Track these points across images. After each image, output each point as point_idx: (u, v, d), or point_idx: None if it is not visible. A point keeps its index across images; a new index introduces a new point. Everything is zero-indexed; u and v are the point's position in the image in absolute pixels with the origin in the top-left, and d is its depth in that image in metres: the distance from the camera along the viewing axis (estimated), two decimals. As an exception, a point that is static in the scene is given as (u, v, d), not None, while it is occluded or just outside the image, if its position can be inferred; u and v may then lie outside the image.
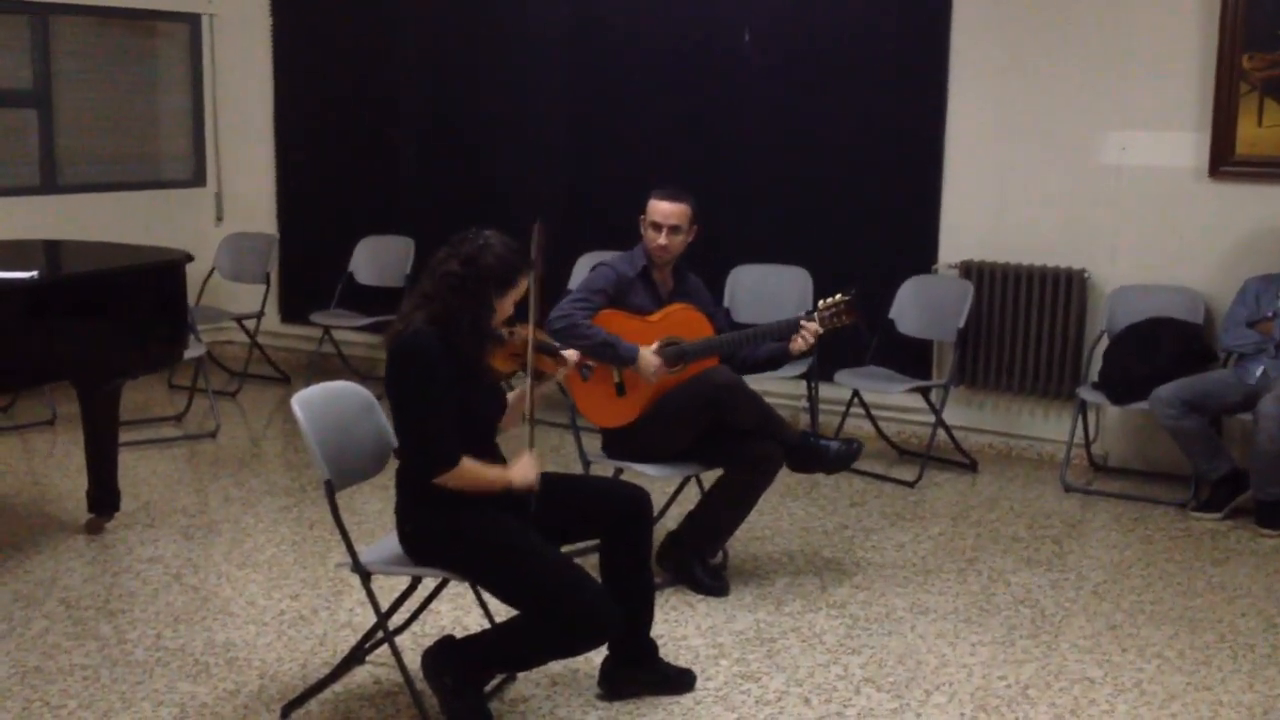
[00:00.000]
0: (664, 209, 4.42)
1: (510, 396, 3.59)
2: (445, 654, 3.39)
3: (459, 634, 3.49)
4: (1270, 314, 5.23)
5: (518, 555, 3.27)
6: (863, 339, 5.97)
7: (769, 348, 4.50)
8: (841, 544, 4.96)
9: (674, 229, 4.41)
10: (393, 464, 3.60)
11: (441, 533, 3.33)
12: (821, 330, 4.36)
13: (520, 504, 3.39)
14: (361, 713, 3.54)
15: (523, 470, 3.39)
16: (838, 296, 4.38)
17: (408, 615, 3.79)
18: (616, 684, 3.63)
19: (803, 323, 4.34)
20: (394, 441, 3.58)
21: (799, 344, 4.35)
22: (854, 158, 6.37)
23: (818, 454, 4.37)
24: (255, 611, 4.23)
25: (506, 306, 3.40)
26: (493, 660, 3.42)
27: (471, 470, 3.30)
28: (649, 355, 4.31)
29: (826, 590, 4.46)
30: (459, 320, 3.30)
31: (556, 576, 3.25)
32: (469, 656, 3.37)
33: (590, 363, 4.04)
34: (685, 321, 4.45)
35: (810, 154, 6.46)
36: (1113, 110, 5.79)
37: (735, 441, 4.33)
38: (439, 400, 3.26)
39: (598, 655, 3.63)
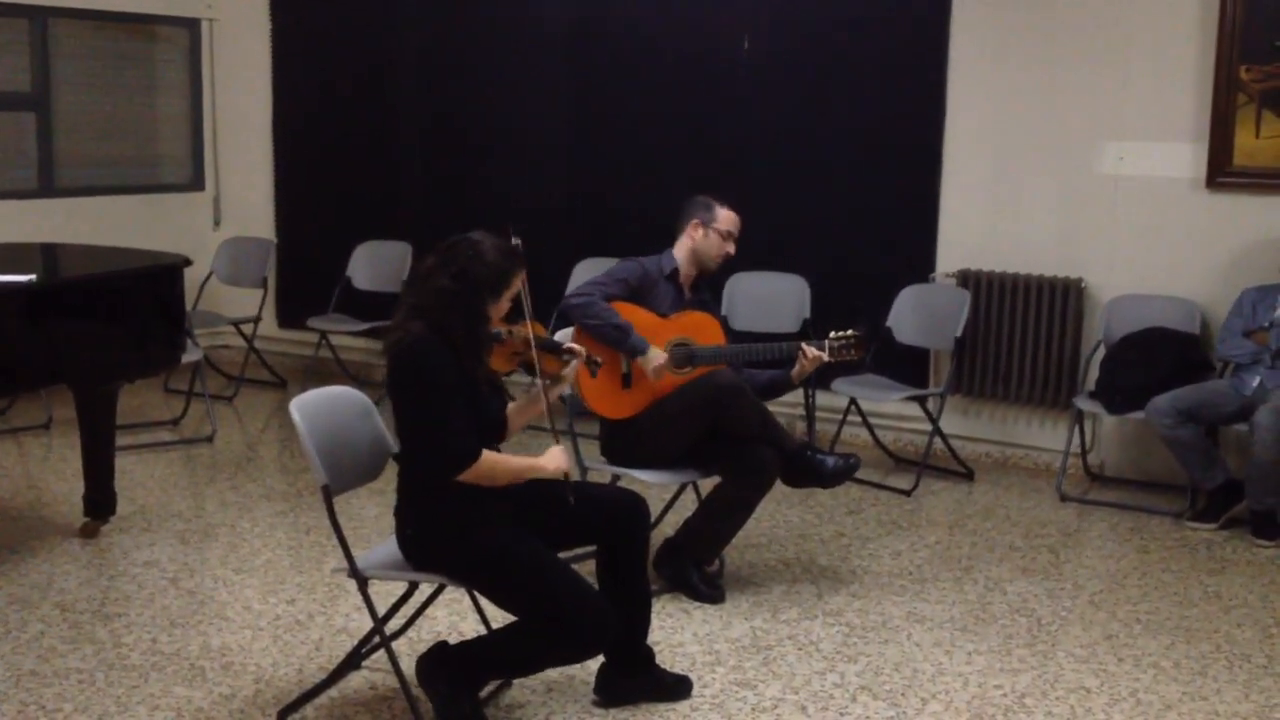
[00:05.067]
0: (736, 219, 4.57)
1: (513, 407, 3.58)
2: (440, 660, 3.39)
3: (455, 640, 3.48)
4: (1266, 324, 5.24)
5: (516, 562, 3.27)
6: (864, 370, 5.99)
7: (769, 375, 4.54)
8: (838, 552, 4.96)
9: (737, 237, 4.58)
10: (390, 469, 3.61)
11: (441, 537, 3.33)
12: (829, 359, 4.41)
13: (550, 504, 3.42)
14: (357, 718, 3.54)
15: (554, 457, 3.42)
16: (849, 331, 4.42)
17: (404, 621, 3.78)
18: (613, 690, 3.62)
19: (804, 347, 4.38)
20: (392, 447, 3.59)
21: (800, 371, 4.41)
22: (852, 166, 6.38)
23: (814, 468, 4.37)
24: (251, 616, 4.23)
25: (502, 306, 3.41)
26: (489, 666, 3.41)
27: (496, 461, 3.31)
28: (658, 352, 4.33)
29: (823, 598, 4.46)
30: (455, 334, 3.30)
31: (555, 583, 3.25)
32: (464, 662, 3.37)
33: (599, 359, 4.05)
34: (700, 326, 4.48)
35: (808, 162, 6.47)
36: (1110, 120, 5.80)
37: (733, 448, 4.34)
38: (450, 399, 3.26)
39: (594, 661, 3.62)
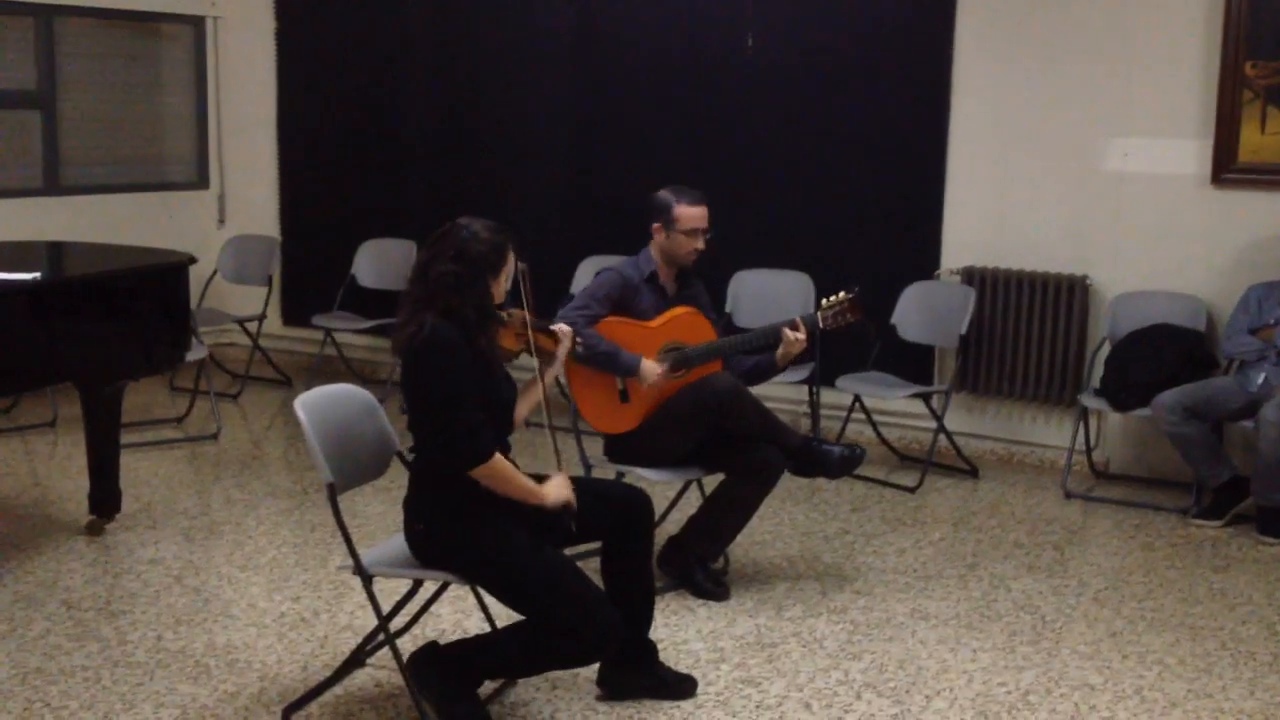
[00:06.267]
0: (702, 213, 4.43)
1: (521, 386, 3.60)
2: (431, 660, 3.38)
3: (461, 637, 3.48)
4: (1272, 321, 5.23)
5: (525, 562, 3.28)
6: (868, 337, 5.98)
7: (754, 360, 4.51)
8: (842, 549, 4.96)
9: (706, 231, 4.44)
10: (395, 467, 3.62)
11: (451, 534, 3.33)
12: (825, 328, 4.36)
13: (558, 528, 3.41)
14: (362, 715, 3.54)
15: (557, 489, 3.41)
16: (840, 295, 4.38)
17: (409, 618, 3.78)
18: (616, 686, 3.63)
19: (786, 330, 4.33)
20: (396, 445, 3.60)
21: (785, 353, 4.36)
22: (857, 163, 6.37)
23: (821, 458, 4.37)
24: (256, 613, 4.23)
25: (501, 285, 3.42)
26: (490, 666, 3.41)
27: (505, 469, 3.32)
28: (651, 365, 4.32)
29: (827, 595, 4.46)
30: (466, 315, 3.31)
31: (563, 586, 3.25)
32: (459, 661, 3.36)
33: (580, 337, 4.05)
34: (688, 326, 4.45)
35: (813, 159, 6.47)
36: (1115, 117, 5.79)
37: (737, 447, 4.34)
38: (468, 394, 3.27)
39: (598, 659, 3.63)
